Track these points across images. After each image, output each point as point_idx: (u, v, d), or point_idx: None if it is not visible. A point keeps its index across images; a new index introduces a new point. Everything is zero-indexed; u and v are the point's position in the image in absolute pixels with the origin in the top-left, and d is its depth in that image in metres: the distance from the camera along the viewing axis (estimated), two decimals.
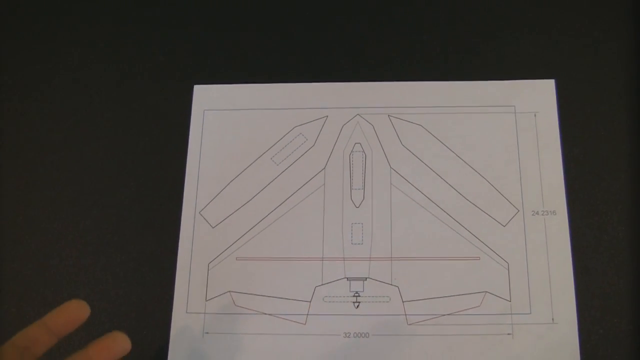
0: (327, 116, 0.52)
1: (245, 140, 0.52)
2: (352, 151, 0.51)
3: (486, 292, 0.48)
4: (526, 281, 0.48)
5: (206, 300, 0.49)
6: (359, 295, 0.48)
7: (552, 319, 0.47)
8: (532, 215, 0.49)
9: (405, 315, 0.48)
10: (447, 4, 0.56)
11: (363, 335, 0.47)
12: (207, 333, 0.48)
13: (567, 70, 0.53)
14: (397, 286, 0.48)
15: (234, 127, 0.53)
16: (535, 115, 0.52)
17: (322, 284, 0.49)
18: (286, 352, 0.47)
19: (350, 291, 0.48)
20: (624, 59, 0.54)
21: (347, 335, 0.47)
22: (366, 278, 0.49)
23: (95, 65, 0.56)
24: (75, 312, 0.37)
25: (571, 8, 0.55)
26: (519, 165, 0.51)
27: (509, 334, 0.47)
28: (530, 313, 0.47)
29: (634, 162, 0.51)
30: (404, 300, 0.48)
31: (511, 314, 0.48)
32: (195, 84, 0.54)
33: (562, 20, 0.55)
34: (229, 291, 0.49)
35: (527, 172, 0.50)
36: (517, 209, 0.50)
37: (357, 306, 0.48)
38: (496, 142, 0.51)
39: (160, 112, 0.54)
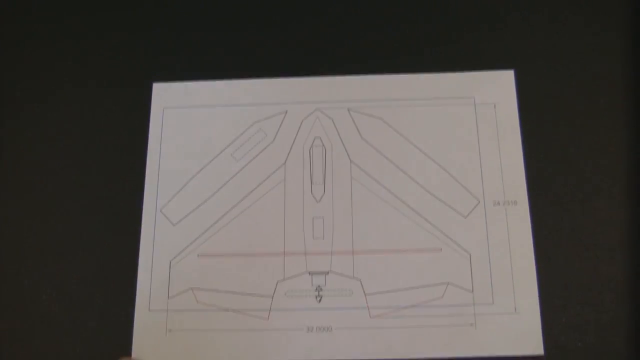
0: (287, 111, 0.52)
1: (205, 137, 0.52)
2: (312, 146, 0.51)
3: (448, 283, 0.48)
4: (488, 272, 0.48)
5: (168, 298, 0.49)
6: (321, 290, 0.48)
7: (515, 309, 0.47)
8: (493, 205, 0.49)
9: (368, 308, 0.48)
10: None
11: (326, 329, 0.47)
12: (170, 330, 0.48)
13: (526, 61, 0.53)
14: (359, 279, 0.48)
15: (194, 124, 0.52)
16: (495, 107, 0.52)
17: (284, 279, 0.48)
18: (249, 348, 0.47)
19: (312, 285, 0.48)
20: (583, 49, 0.54)
21: (310, 329, 0.47)
22: (328, 272, 0.48)
23: (52, 65, 0.55)
24: None
25: None
26: (479, 156, 0.51)
27: (471, 324, 0.47)
28: (493, 303, 0.47)
29: (594, 150, 0.51)
30: (366, 293, 0.48)
31: (474, 304, 0.48)
32: (155, 82, 0.54)
33: (520, 10, 0.55)
34: (191, 288, 0.49)
35: (488, 163, 0.50)
36: (477, 199, 0.50)
37: (320, 300, 0.48)
38: (456, 133, 0.51)
39: (119, 111, 0.53)
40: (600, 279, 0.48)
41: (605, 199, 0.50)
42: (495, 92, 0.52)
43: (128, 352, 0.48)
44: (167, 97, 0.54)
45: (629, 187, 0.50)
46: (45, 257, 0.50)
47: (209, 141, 0.52)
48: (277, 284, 0.48)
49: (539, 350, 0.47)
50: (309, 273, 0.49)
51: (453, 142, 0.51)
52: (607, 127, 0.52)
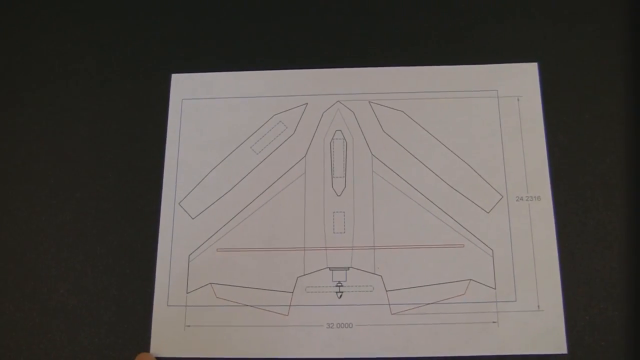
0: (307, 103, 0.52)
1: (224, 129, 0.51)
2: (332, 139, 0.51)
3: (471, 280, 0.47)
4: (511, 268, 0.47)
5: (187, 293, 0.48)
6: (341, 285, 0.48)
7: (538, 306, 0.47)
8: (516, 201, 0.49)
9: (389, 304, 0.47)
10: None
11: (346, 325, 0.47)
12: (189, 326, 0.47)
13: (550, 53, 0.52)
14: (380, 275, 0.47)
15: (213, 116, 0.52)
16: (518, 100, 0.51)
17: (304, 275, 0.48)
18: (269, 344, 0.47)
19: (332, 281, 0.48)
20: (607, 42, 0.53)
21: (330, 325, 0.47)
22: (349, 267, 0.48)
23: (72, 56, 0.55)
24: None
25: None
26: (502, 150, 0.50)
27: (494, 322, 0.46)
28: (516, 300, 0.47)
29: (619, 145, 0.50)
30: (387, 289, 0.47)
31: (496, 301, 0.47)
32: (173, 73, 0.53)
33: (544, 2, 0.54)
34: (210, 283, 0.48)
35: (511, 158, 0.50)
36: (500, 194, 0.49)
37: (340, 296, 0.47)
38: (479, 127, 0.51)
39: (138, 102, 0.53)
40: (625, 277, 0.47)
41: (629, 194, 0.49)
42: (518, 84, 0.51)
43: (146, 347, 0.47)
44: (185, 88, 0.53)
45: None
46: (63, 250, 0.50)
47: (228, 133, 0.51)
48: (297, 280, 0.48)
49: (562, 349, 0.46)
50: (330, 268, 0.48)
51: (476, 136, 0.50)
52: (632, 120, 0.51)
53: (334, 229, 0.49)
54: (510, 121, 0.51)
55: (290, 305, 0.47)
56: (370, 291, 0.47)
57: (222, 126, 0.51)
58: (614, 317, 0.47)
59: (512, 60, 0.52)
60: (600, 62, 0.52)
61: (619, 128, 0.50)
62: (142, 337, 0.48)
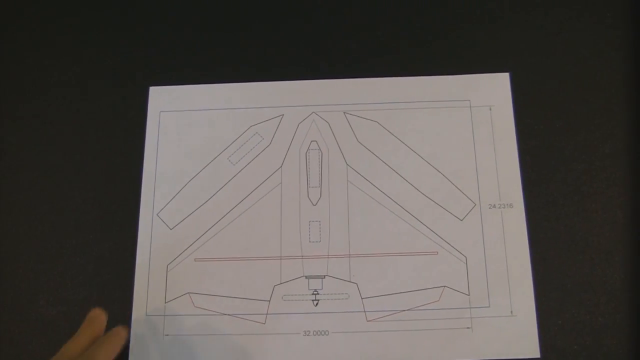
0: (283, 115, 0.52)
1: (201, 140, 0.52)
2: (308, 149, 0.51)
3: (445, 286, 0.48)
4: (484, 275, 0.48)
5: (165, 302, 0.49)
6: (317, 293, 0.48)
7: (511, 312, 0.47)
8: (489, 208, 0.50)
9: (365, 312, 0.48)
10: None
11: (322, 333, 0.47)
12: (167, 335, 0.48)
13: (521, 64, 0.53)
14: (356, 283, 0.48)
15: (191, 128, 0.52)
16: (490, 109, 0.52)
17: (280, 283, 0.48)
18: (246, 352, 0.47)
19: (309, 289, 0.48)
20: (577, 52, 0.54)
21: (307, 333, 0.47)
22: (325, 276, 0.48)
23: (51, 69, 0.55)
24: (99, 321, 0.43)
25: (525, 1, 0.55)
26: (475, 159, 0.51)
27: (468, 327, 0.47)
28: (489, 306, 0.47)
29: (589, 152, 0.51)
30: (362, 297, 0.48)
31: (470, 307, 0.48)
32: (151, 86, 0.54)
33: (516, 13, 0.55)
34: (188, 292, 0.49)
35: (484, 166, 0.50)
36: (474, 202, 0.50)
37: (316, 304, 0.48)
38: (452, 136, 0.51)
39: (117, 115, 0.53)
40: (596, 281, 0.48)
41: (601, 201, 0.50)
42: (491, 94, 0.52)
43: (125, 356, 0.47)
44: (163, 101, 0.54)
45: (624, 189, 0.50)
46: (42, 261, 0.50)
47: (205, 145, 0.52)
48: (274, 288, 0.48)
49: (535, 352, 0.47)
50: (306, 277, 0.49)
51: (449, 145, 0.51)
52: (602, 129, 0.52)
53: (309, 237, 0.49)
54: (482, 130, 0.51)
55: (267, 314, 0.48)
56: (346, 299, 0.48)
57: (200, 138, 0.52)
58: (586, 321, 0.47)
59: (484, 71, 0.53)
60: (571, 71, 0.53)
61: (589, 136, 0.51)
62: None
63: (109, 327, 0.48)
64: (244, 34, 0.55)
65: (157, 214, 0.50)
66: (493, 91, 0.52)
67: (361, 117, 0.52)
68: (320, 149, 0.51)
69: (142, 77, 0.54)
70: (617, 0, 0.55)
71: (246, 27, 0.56)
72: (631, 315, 0.47)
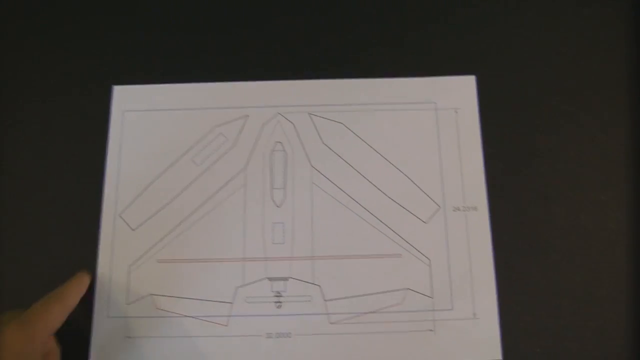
0: (248, 115, 0.52)
1: (165, 141, 0.52)
2: (272, 150, 0.51)
3: (408, 289, 0.48)
4: (447, 277, 0.48)
5: (127, 304, 0.48)
6: (280, 295, 0.48)
7: (474, 314, 0.47)
8: (453, 211, 0.50)
9: (328, 314, 0.48)
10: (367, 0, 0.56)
11: (285, 335, 0.47)
12: (129, 337, 0.47)
13: (487, 67, 0.53)
14: (319, 285, 0.48)
15: (155, 128, 0.52)
16: (456, 112, 0.52)
17: (243, 285, 0.48)
18: (208, 354, 0.47)
19: (272, 291, 0.48)
20: (543, 55, 0.54)
21: (270, 335, 0.47)
22: (288, 278, 0.48)
23: (13, 69, 0.55)
24: (83, 282, 0.46)
25: (491, 4, 0.55)
26: (440, 161, 0.51)
27: (430, 330, 0.47)
28: (452, 309, 0.48)
29: (554, 156, 0.51)
30: (325, 299, 0.48)
31: (433, 310, 0.48)
32: (115, 85, 0.53)
33: (482, 16, 0.55)
34: (151, 294, 0.48)
35: (448, 169, 0.50)
36: (438, 205, 0.50)
37: (279, 306, 0.48)
38: (417, 138, 0.51)
39: (80, 114, 0.53)
40: (559, 285, 0.48)
41: (565, 204, 0.50)
42: (456, 97, 0.52)
43: (86, 358, 0.47)
44: (127, 100, 0.53)
45: (589, 193, 0.50)
46: (2, 263, 0.49)
47: (169, 145, 0.52)
48: (236, 290, 0.48)
49: (497, 355, 0.47)
50: (269, 279, 0.48)
51: (414, 148, 0.51)
52: (567, 132, 0.52)
53: (273, 239, 0.49)
54: (448, 133, 0.51)
55: (230, 316, 0.48)
56: (309, 301, 0.48)
57: (164, 138, 0.52)
58: (548, 324, 0.48)
59: (451, 73, 0.53)
60: (536, 75, 0.53)
61: (554, 139, 0.51)
62: (82, 348, 0.47)
63: (72, 329, 0.47)
64: (210, 34, 0.55)
65: (119, 215, 0.50)
66: (459, 94, 0.52)
67: (326, 119, 0.52)
68: (285, 150, 0.51)
69: (105, 76, 0.53)
70: (583, 2, 0.55)
71: (212, 27, 0.55)
72: (594, 318, 0.48)
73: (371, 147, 0.51)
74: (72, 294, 0.44)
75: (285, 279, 0.48)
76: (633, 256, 0.49)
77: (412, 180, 0.50)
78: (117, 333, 0.48)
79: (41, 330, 0.40)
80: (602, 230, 0.49)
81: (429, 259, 0.48)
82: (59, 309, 0.42)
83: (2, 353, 0.37)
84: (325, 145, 0.51)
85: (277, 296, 0.48)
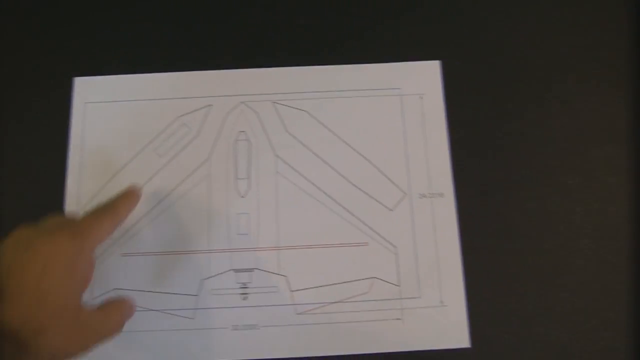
0: (211, 105, 0.51)
1: (128, 132, 0.51)
2: (236, 140, 0.50)
3: (375, 277, 0.47)
4: (414, 265, 0.48)
5: (92, 299, 0.48)
6: (246, 287, 0.47)
7: (441, 302, 0.47)
8: (420, 198, 0.49)
9: (294, 304, 0.47)
10: None
11: (251, 327, 0.47)
12: None
13: (452, 52, 0.53)
14: (285, 276, 0.47)
15: (117, 120, 0.51)
16: (421, 98, 0.51)
17: (209, 277, 0.48)
18: (175, 348, 0.46)
19: (237, 283, 0.48)
20: (507, 40, 0.53)
21: (236, 327, 0.47)
22: (253, 269, 0.48)
23: None
24: (134, 196, 0.45)
25: None
26: (405, 148, 0.50)
27: (398, 318, 0.47)
28: (420, 297, 0.47)
29: (520, 141, 0.51)
30: (291, 289, 0.47)
31: (400, 298, 0.47)
32: (76, 77, 0.52)
33: (446, 1, 0.54)
34: (115, 288, 0.48)
35: (414, 155, 0.50)
36: (404, 192, 0.49)
37: (245, 298, 0.47)
38: (382, 125, 0.51)
39: (40, 107, 0.52)
40: (526, 270, 0.48)
41: (530, 189, 0.50)
42: (421, 83, 0.52)
43: None
44: (88, 92, 0.52)
45: (555, 178, 0.50)
46: None
47: (132, 137, 0.51)
48: (202, 282, 0.48)
49: (465, 342, 0.47)
50: (234, 270, 0.48)
51: (379, 134, 0.51)
52: (531, 117, 0.51)
53: (238, 230, 0.48)
54: (413, 119, 0.51)
55: (195, 309, 0.47)
56: (275, 292, 0.47)
57: (126, 129, 0.51)
58: (516, 310, 0.47)
59: (415, 59, 0.52)
60: (501, 59, 0.53)
61: (519, 125, 0.51)
62: None
63: None
64: (172, 23, 0.54)
65: (82, 208, 0.49)
66: (424, 79, 0.52)
67: (290, 107, 0.51)
68: (248, 139, 0.50)
69: (66, 68, 0.52)
70: None
71: (173, 16, 0.54)
72: (561, 304, 0.47)
73: (336, 134, 0.50)
74: (123, 207, 0.43)
75: (250, 270, 0.48)
76: (600, 240, 0.48)
77: (377, 168, 0.50)
78: None
79: (92, 242, 0.39)
80: (569, 215, 0.49)
81: (395, 246, 0.48)
82: (109, 222, 0.41)
83: (55, 260, 0.35)
84: (290, 134, 0.50)
85: (242, 288, 0.47)
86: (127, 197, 0.44)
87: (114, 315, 0.40)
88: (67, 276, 0.36)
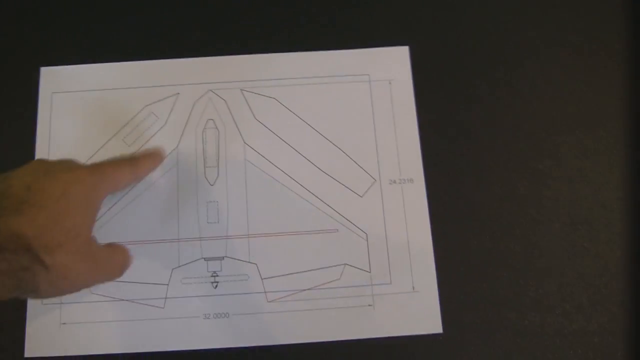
0: (179, 93, 0.51)
1: (95, 122, 0.50)
2: (204, 128, 0.50)
3: (345, 264, 0.47)
4: (385, 251, 0.48)
5: None
6: (217, 275, 0.47)
7: (413, 288, 0.47)
8: (390, 184, 0.49)
9: (265, 292, 0.47)
10: None
11: (223, 315, 0.46)
12: (64, 324, 0.47)
13: (419, 37, 0.53)
14: (255, 263, 0.47)
15: (84, 109, 0.51)
16: (390, 83, 0.51)
17: (179, 266, 0.47)
18: (145, 338, 0.46)
19: (208, 271, 0.47)
20: (476, 24, 0.53)
21: (207, 316, 0.46)
22: (223, 257, 0.48)
23: None
24: (157, 156, 0.45)
25: None
26: (374, 134, 0.50)
27: (370, 305, 0.47)
28: (391, 283, 0.47)
29: (489, 126, 0.50)
30: (262, 277, 0.47)
31: (372, 285, 0.47)
32: (42, 66, 0.52)
33: None
34: None
35: (383, 141, 0.50)
36: (374, 178, 0.49)
37: (216, 286, 0.47)
38: (351, 111, 0.51)
39: (5, 98, 0.51)
40: (497, 255, 0.48)
41: (501, 174, 0.50)
42: (390, 68, 0.52)
43: (21, 348, 0.46)
44: (55, 82, 0.52)
45: (524, 161, 0.50)
46: None
47: (99, 126, 0.51)
48: (172, 272, 0.47)
49: (438, 328, 0.47)
50: (205, 259, 0.48)
51: (348, 121, 0.50)
52: (501, 102, 0.51)
53: (207, 218, 0.48)
54: (382, 105, 0.51)
55: (165, 298, 0.47)
56: (246, 280, 0.47)
57: (94, 119, 0.51)
58: (488, 295, 0.47)
59: (383, 45, 0.52)
60: (469, 44, 0.53)
61: (489, 109, 0.51)
62: (17, 337, 0.46)
63: (6, 318, 0.46)
64: (138, 12, 0.54)
65: None
66: (392, 65, 0.52)
67: (258, 94, 0.51)
68: (217, 127, 0.50)
69: (32, 58, 0.52)
70: None
71: (138, 4, 0.54)
72: (533, 289, 0.47)
73: (305, 121, 0.50)
74: (144, 163, 0.44)
75: (221, 258, 0.48)
76: (570, 225, 0.48)
77: (347, 154, 0.50)
78: (52, 320, 0.47)
79: (108, 184, 0.40)
80: (539, 199, 0.49)
81: (365, 233, 0.48)
82: (129, 171, 0.42)
83: (73, 187, 0.37)
84: (258, 121, 0.50)
85: (213, 276, 0.47)
86: (150, 156, 0.45)
87: (119, 256, 0.42)
88: (84, 204, 0.37)
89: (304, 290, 0.47)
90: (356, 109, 0.51)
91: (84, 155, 0.50)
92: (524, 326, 0.47)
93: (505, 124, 0.50)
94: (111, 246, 0.42)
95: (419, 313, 0.47)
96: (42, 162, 0.39)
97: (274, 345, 0.46)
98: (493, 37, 0.53)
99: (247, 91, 0.51)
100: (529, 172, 0.49)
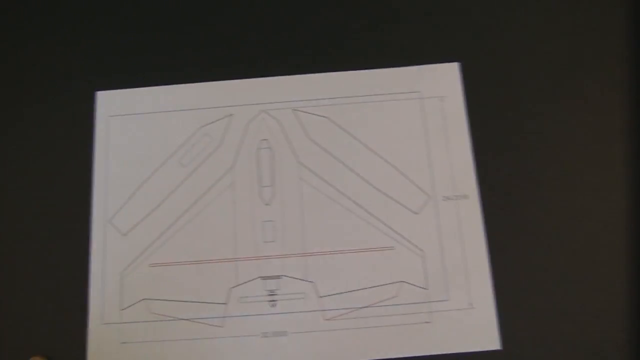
0: (232, 114, 0.52)
1: (151, 144, 0.51)
2: (259, 148, 0.51)
3: (402, 281, 0.47)
4: (441, 268, 0.48)
5: (121, 310, 0.48)
6: (274, 294, 0.48)
7: (470, 304, 0.47)
8: (444, 200, 0.49)
9: (322, 310, 0.47)
10: None
11: (281, 334, 0.47)
12: (124, 343, 0.47)
13: (470, 53, 0.53)
14: (312, 282, 0.48)
15: (140, 132, 0.52)
16: (441, 100, 0.51)
17: (236, 285, 0.48)
18: (204, 356, 0.47)
19: (265, 290, 0.48)
20: (527, 40, 0.53)
21: (265, 335, 0.47)
22: (280, 276, 0.48)
23: None
24: None
25: None
26: (427, 151, 0.50)
27: (427, 322, 0.47)
28: (448, 300, 0.47)
29: (541, 141, 0.50)
30: (319, 295, 0.47)
31: (429, 302, 0.47)
32: (98, 90, 0.53)
33: (464, 2, 0.54)
34: (144, 299, 0.48)
35: (436, 158, 0.50)
36: (428, 195, 0.49)
37: (274, 305, 0.47)
38: (403, 129, 0.51)
39: (64, 121, 0.53)
40: (554, 270, 0.48)
41: (555, 188, 0.49)
42: (441, 85, 0.52)
43: None
44: (111, 105, 0.53)
45: (579, 175, 0.50)
46: None
47: (155, 148, 0.51)
48: (230, 291, 0.48)
49: (496, 344, 0.46)
50: (262, 278, 0.48)
51: (401, 138, 0.51)
52: (553, 117, 0.51)
53: (264, 237, 0.49)
54: (434, 122, 0.51)
55: (224, 317, 0.47)
56: (303, 298, 0.48)
57: (150, 141, 0.51)
58: (545, 310, 0.47)
59: (434, 61, 0.52)
60: (521, 59, 0.52)
61: (541, 124, 0.51)
62: (78, 356, 0.47)
63: (68, 337, 0.47)
64: (189, 34, 0.55)
65: (109, 221, 0.50)
66: (443, 81, 0.52)
67: (311, 114, 0.51)
68: (270, 147, 0.51)
69: (88, 82, 0.53)
70: None
71: (191, 28, 0.55)
72: (592, 302, 0.47)
73: (357, 139, 0.51)
74: None
75: (278, 277, 0.48)
76: (629, 237, 0.48)
77: (400, 172, 0.50)
78: (113, 339, 0.47)
79: None
80: (596, 213, 0.49)
81: (422, 250, 0.48)
82: None
83: None
84: (311, 140, 0.51)
85: (270, 295, 0.48)
86: None
87: None
88: None
89: (361, 308, 0.47)
90: (408, 126, 0.51)
91: (140, 176, 0.50)
92: (584, 341, 0.46)
93: (558, 138, 0.50)
94: None
95: (477, 329, 0.46)
96: None
97: None
98: (544, 51, 0.53)
99: (300, 111, 0.52)
100: (583, 185, 0.49)
